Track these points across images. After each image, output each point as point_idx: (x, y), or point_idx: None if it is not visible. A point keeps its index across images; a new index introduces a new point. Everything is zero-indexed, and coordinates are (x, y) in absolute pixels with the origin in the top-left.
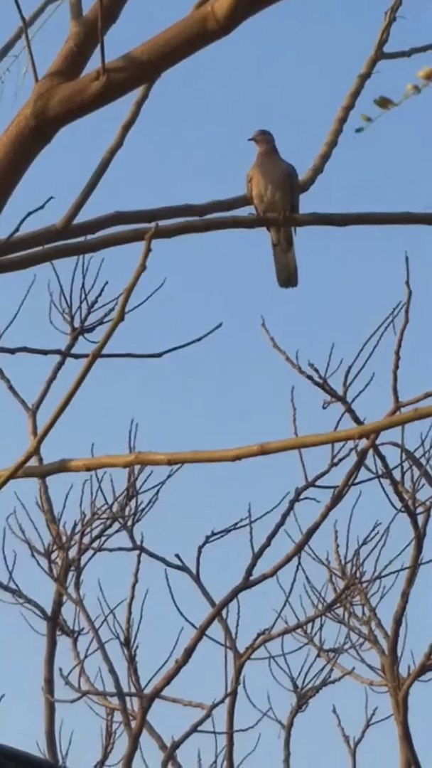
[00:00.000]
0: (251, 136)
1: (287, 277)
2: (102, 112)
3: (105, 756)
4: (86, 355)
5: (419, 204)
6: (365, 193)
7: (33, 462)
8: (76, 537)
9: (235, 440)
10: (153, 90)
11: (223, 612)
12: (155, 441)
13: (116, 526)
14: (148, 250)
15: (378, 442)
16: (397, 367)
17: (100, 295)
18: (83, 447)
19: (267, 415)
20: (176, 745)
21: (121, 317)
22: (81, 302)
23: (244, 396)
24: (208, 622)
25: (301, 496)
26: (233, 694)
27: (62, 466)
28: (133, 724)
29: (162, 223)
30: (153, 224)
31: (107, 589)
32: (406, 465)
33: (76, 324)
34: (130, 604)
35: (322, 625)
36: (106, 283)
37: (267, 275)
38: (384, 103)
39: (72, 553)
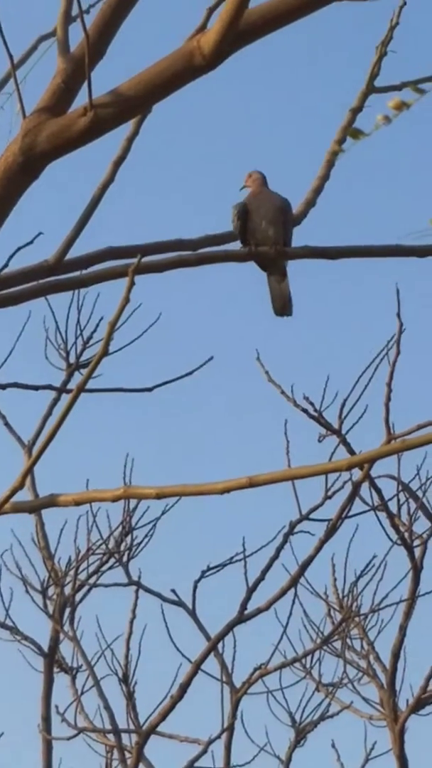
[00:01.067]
0: (242, 185)
1: (282, 305)
2: (95, 145)
3: None
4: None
5: (411, 234)
6: (359, 224)
7: (27, 497)
8: (72, 573)
9: (229, 474)
10: (145, 125)
11: (220, 646)
12: (150, 475)
13: (112, 561)
14: (132, 283)
15: (374, 474)
16: (389, 399)
17: (95, 330)
18: (80, 483)
19: (262, 448)
20: None
21: (105, 351)
22: (76, 338)
23: (238, 430)
24: (203, 657)
25: (296, 530)
26: (230, 729)
27: (51, 501)
28: (130, 760)
29: (154, 257)
30: (138, 257)
31: (105, 624)
32: (402, 497)
33: (72, 360)
34: (128, 640)
35: (320, 659)
36: (101, 318)
37: (262, 305)
38: (355, 134)
39: (68, 589)
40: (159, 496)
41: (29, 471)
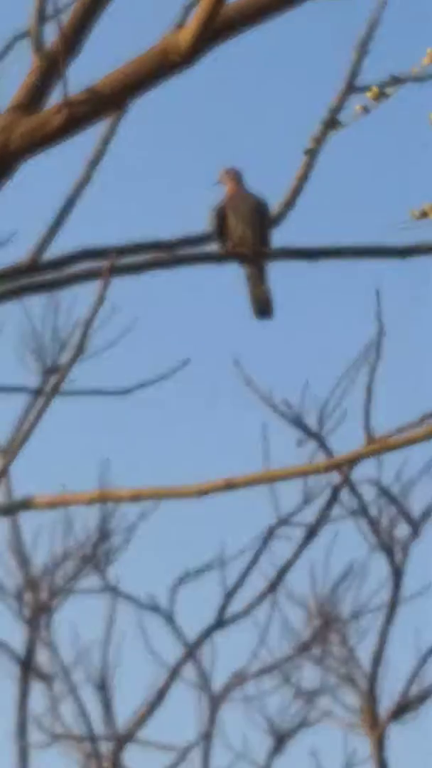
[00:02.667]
0: (217, 178)
1: (262, 308)
2: (71, 144)
3: None
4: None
5: (393, 227)
6: (341, 221)
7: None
8: (48, 579)
9: (208, 478)
10: (121, 122)
11: (197, 653)
12: (127, 479)
13: (88, 567)
14: (107, 282)
15: (354, 479)
16: (368, 402)
17: (72, 333)
18: (55, 488)
19: (241, 453)
20: None
21: (79, 351)
22: (53, 342)
23: (217, 434)
24: (181, 663)
25: (274, 534)
26: (208, 735)
27: (26, 503)
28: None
29: (131, 259)
30: (112, 259)
31: (81, 631)
32: (382, 502)
33: (48, 363)
34: (105, 647)
35: (298, 666)
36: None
37: (242, 307)
38: (333, 124)
39: (44, 595)
40: (134, 499)
41: (4, 472)
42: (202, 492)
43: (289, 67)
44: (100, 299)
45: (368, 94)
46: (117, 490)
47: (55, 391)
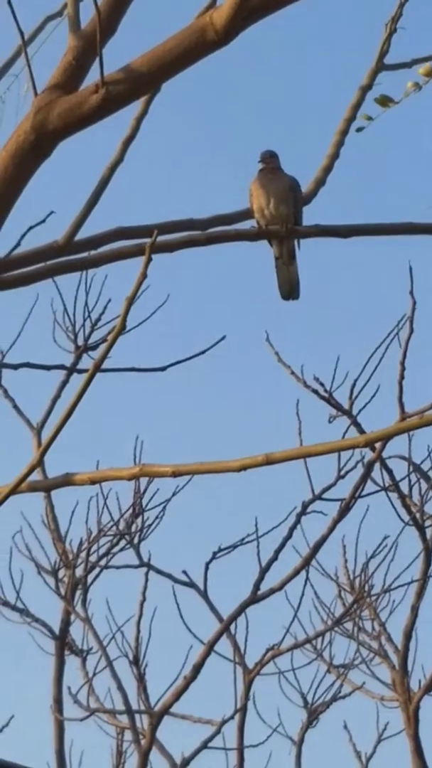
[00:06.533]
0: (259, 158)
1: (289, 290)
2: (104, 125)
3: None
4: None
5: (422, 213)
6: (368, 204)
7: (37, 478)
8: (83, 555)
9: (241, 453)
10: (154, 104)
11: (232, 627)
12: (160, 455)
13: (123, 543)
14: (149, 259)
15: (385, 455)
16: (402, 377)
17: (103, 312)
18: (89, 464)
19: (273, 429)
20: (186, 761)
21: (123, 326)
22: (84, 320)
23: (249, 410)
24: (216, 638)
25: (308, 510)
26: (243, 710)
27: (67, 480)
28: (143, 741)
29: (164, 237)
30: (154, 233)
31: (115, 606)
32: (413, 478)
33: (80, 342)
34: (138, 622)
35: (331, 641)
36: (110, 300)
37: (270, 288)
38: (384, 101)
39: (79, 571)
40: (175, 474)
41: (47, 448)
42: (243, 467)
43: (319, 46)
44: (143, 275)
45: (420, 71)
46: (158, 466)
47: (98, 368)
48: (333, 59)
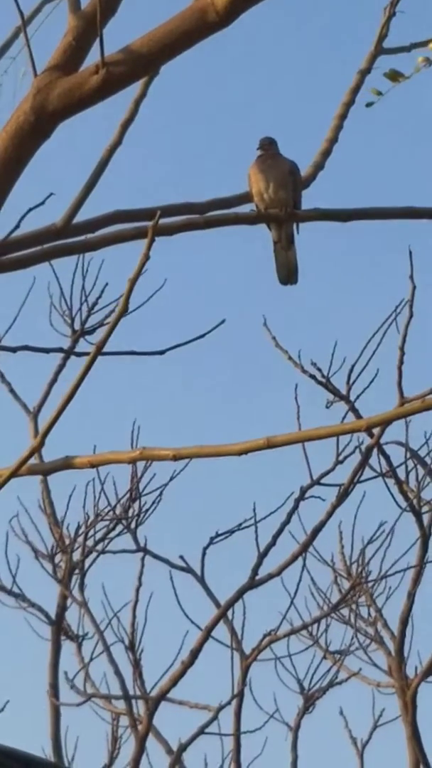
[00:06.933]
0: (258, 145)
1: (287, 274)
2: (101, 108)
3: (111, 761)
4: (89, 353)
5: (422, 197)
6: (366, 189)
7: (34, 461)
8: (80, 539)
9: (238, 438)
10: (152, 87)
11: (229, 613)
12: (158, 439)
13: (120, 528)
14: (152, 240)
15: (382, 441)
16: (402, 362)
17: (100, 296)
18: (85, 448)
19: (270, 413)
20: (183, 747)
21: (125, 307)
22: (81, 304)
23: (247, 394)
24: (215, 623)
25: (307, 495)
26: (240, 695)
27: (67, 463)
28: (140, 727)
29: (163, 220)
30: (157, 214)
31: (111, 591)
32: (410, 464)
33: (77, 326)
34: (134, 608)
35: (327, 627)
36: (107, 284)
37: (267, 273)
38: (394, 76)
39: (76, 555)
40: (176, 458)
41: (48, 431)
42: (244, 451)
43: (317, 29)
44: (146, 256)
45: (431, 46)
46: (159, 449)
47: (100, 350)
48: (332, 43)
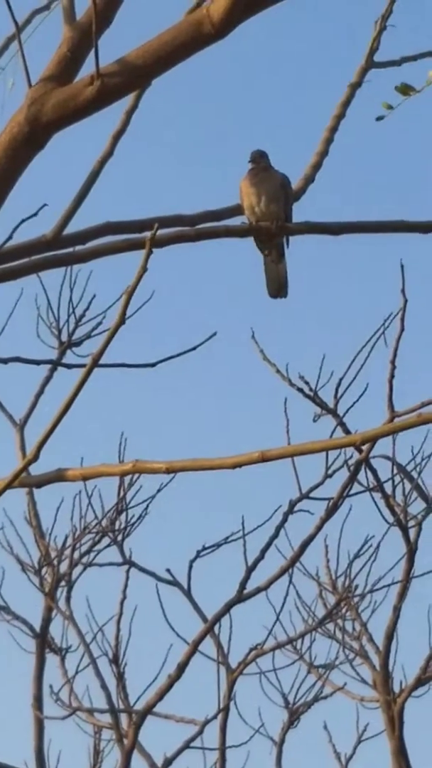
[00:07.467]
0: (249, 158)
1: (277, 287)
2: (94, 120)
3: None
4: (79, 365)
5: (413, 211)
6: (357, 202)
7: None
8: (66, 552)
9: (228, 451)
10: (143, 99)
11: (215, 627)
12: (145, 452)
13: (106, 540)
14: (150, 252)
15: (370, 455)
16: (392, 376)
17: (87, 308)
18: (72, 461)
19: (259, 426)
20: (168, 761)
21: (122, 320)
22: (69, 316)
23: (236, 407)
24: (202, 636)
25: (295, 508)
26: (225, 710)
27: (58, 476)
28: (125, 741)
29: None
30: (155, 227)
31: (97, 605)
32: (397, 479)
33: (64, 338)
34: (118, 621)
35: (312, 641)
36: (94, 296)
37: (257, 286)
38: (405, 90)
39: (63, 567)
40: (169, 471)
41: (43, 443)
42: (237, 464)
43: (309, 42)
44: (143, 269)
45: None
46: (151, 462)
47: (96, 362)
48: (323, 56)
